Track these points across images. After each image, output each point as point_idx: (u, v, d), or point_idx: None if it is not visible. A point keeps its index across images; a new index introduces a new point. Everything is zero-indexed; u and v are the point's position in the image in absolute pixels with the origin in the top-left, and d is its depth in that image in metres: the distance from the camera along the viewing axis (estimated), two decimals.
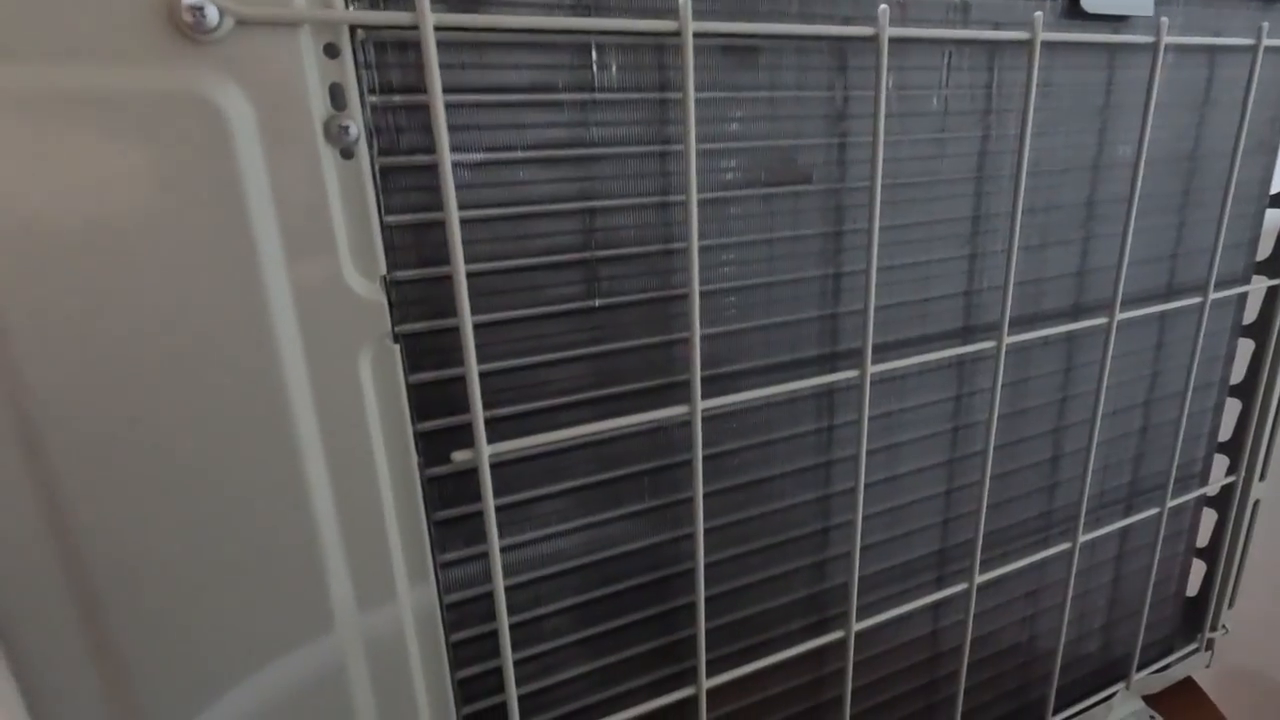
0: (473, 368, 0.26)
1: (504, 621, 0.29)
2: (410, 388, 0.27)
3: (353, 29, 0.23)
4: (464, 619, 0.30)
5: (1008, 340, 0.37)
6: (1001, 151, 0.36)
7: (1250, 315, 0.50)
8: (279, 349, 0.23)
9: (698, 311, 0.28)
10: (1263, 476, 0.53)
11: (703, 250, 0.30)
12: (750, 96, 0.29)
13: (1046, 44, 0.35)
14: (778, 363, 0.34)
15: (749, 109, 0.29)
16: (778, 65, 0.29)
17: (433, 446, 0.28)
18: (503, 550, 0.31)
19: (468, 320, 0.25)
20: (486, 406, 0.28)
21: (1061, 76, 0.37)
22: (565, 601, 0.32)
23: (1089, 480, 0.43)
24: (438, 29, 0.23)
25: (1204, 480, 0.52)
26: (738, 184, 0.30)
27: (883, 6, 0.28)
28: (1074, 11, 0.35)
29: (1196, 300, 0.44)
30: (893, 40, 0.31)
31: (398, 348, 0.26)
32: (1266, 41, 0.40)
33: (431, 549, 0.28)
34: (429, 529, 0.28)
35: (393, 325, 0.26)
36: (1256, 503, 0.54)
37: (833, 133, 0.31)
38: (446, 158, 0.23)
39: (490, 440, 0.28)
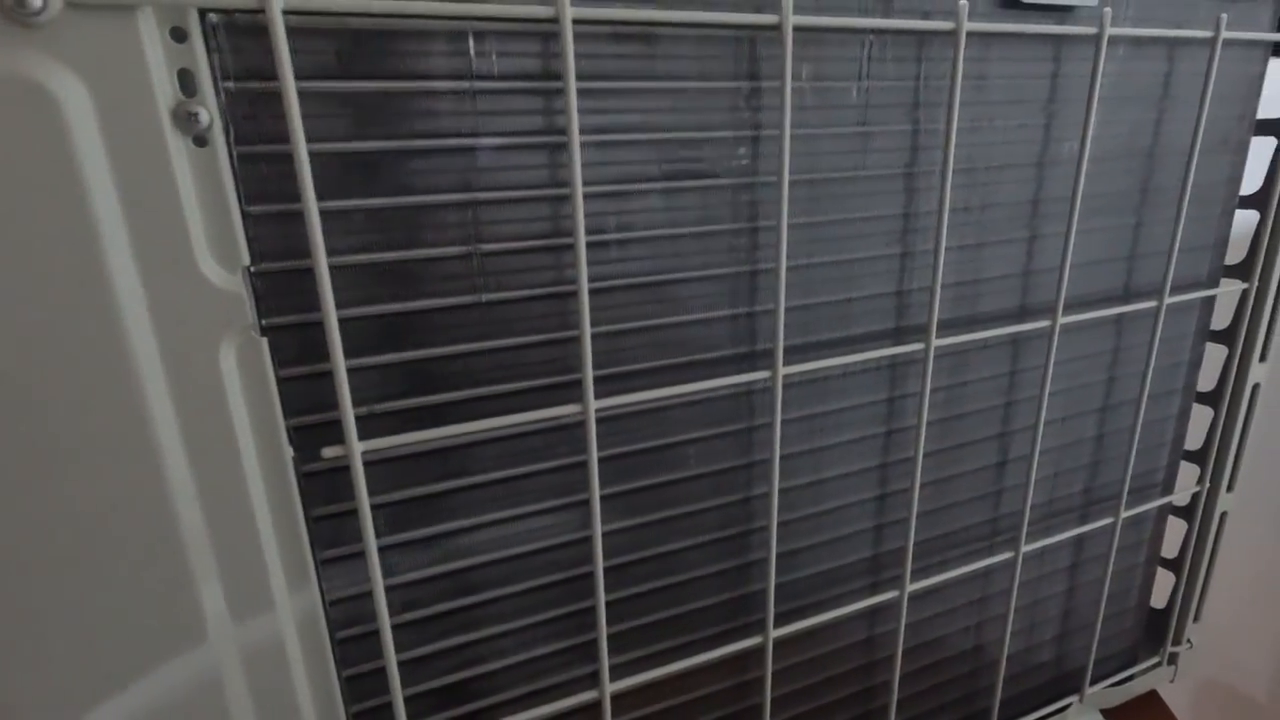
0: (339, 363, 0.25)
1: (385, 622, 0.28)
2: (285, 381, 0.26)
3: (202, 12, 0.22)
4: (352, 615, 0.30)
5: (937, 343, 0.36)
6: (932, 147, 0.34)
7: (1223, 320, 0.49)
8: (130, 345, 0.23)
9: (587, 308, 0.28)
10: (1230, 487, 0.51)
11: (602, 245, 0.30)
12: (644, 87, 0.28)
13: (977, 35, 0.33)
14: (690, 361, 0.33)
15: (646, 100, 0.28)
16: (676, 54, 0.28)
17: (313, 441, 0.27)
18: (393, 547, 0.30)
19: (332, 314, 0.24)
20: (372, 401, 0.28)
21: (1000, 69, 0.35)
22: (462, 600, 0.32)
23: (1032, 488, 0.42)
24: (289, 12, 0.22)
25: (1167, 489, 0.51)
26: (635, 177, 0.29)
27: None
28: (1011, 1, 0.34)
29: (1150, 305, 0.42)
30: (802, 30, 0.29)
31: (265, 341, 0.25)
32: (1225, 34, 0.38)
33: (312, 546, 0.28)
34: (308, 526, 0.28)
35: (259, 318, 0.25)
36: (1224, 515, 0.52)
37: (741, 125, 0.30)
38: (301, 147, 0.23)
39: (375, 435, 0.27)
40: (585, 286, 0.27)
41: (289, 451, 0.27)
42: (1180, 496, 0.51)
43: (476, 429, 0.28)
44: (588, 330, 0.28)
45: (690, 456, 0.34)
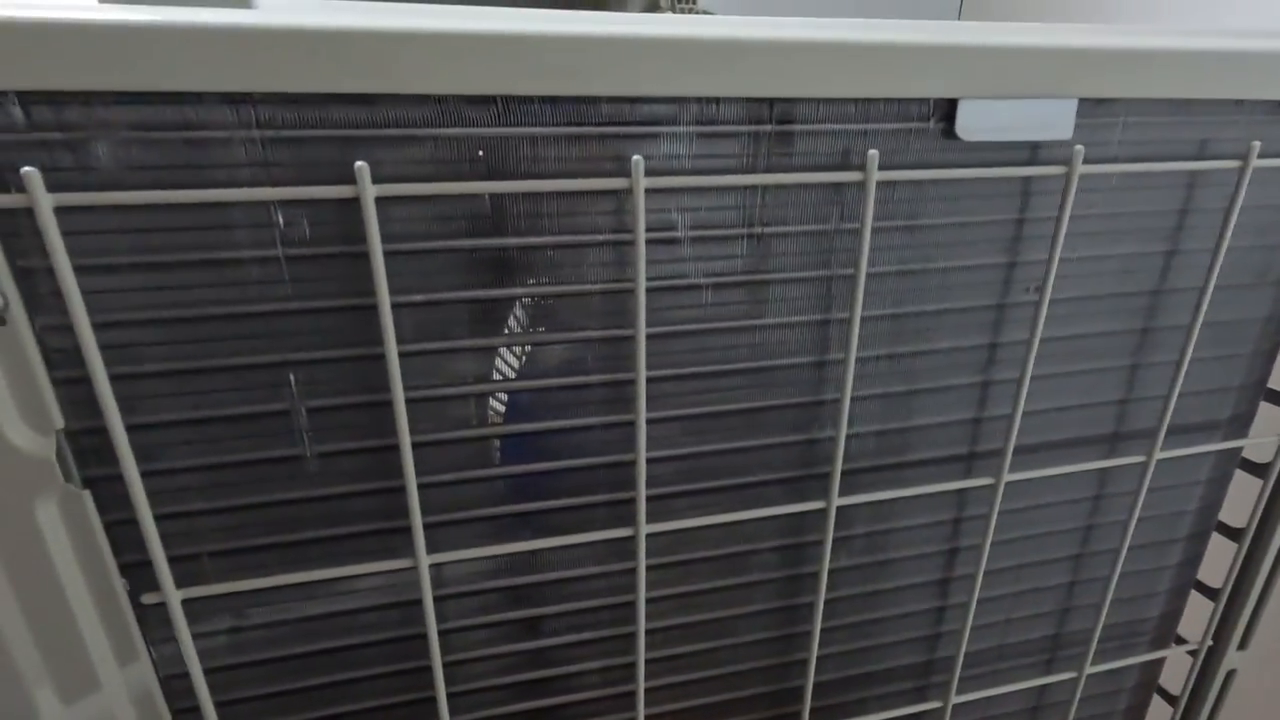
0: (145, 514, 0.26)
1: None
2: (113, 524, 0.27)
3: None
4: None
5: (838, 501, 0.32)
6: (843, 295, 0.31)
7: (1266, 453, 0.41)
8: None
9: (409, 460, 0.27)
10: (1244, 644, 0.45)
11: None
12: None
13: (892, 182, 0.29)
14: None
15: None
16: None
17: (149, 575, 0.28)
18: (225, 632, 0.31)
19: (132, 469, 0.25)
20: (201, 541, 0.28)
21: (954, 207, 0.30)
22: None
23: (965, 636, 0.38)
24: (59, 209, 0.22)
25: (1162, 641, 0.45)
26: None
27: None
28: (953, 136, 0.29)
29: (1139, 459, 0.37)
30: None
31: (87, 492, 0.26)
32: (1257, 162, 0.31)
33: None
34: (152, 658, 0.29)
35: (79, 470, 0.26)
36: (1231, 673, 0.46)
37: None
38: (83, 322, 0.23)
39: (211, 571, 0.28)
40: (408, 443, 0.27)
41: (122, 584, 0.28)
42: (1175, 652, 0.45)
43: (297, 578, 0.29)
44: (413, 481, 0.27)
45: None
